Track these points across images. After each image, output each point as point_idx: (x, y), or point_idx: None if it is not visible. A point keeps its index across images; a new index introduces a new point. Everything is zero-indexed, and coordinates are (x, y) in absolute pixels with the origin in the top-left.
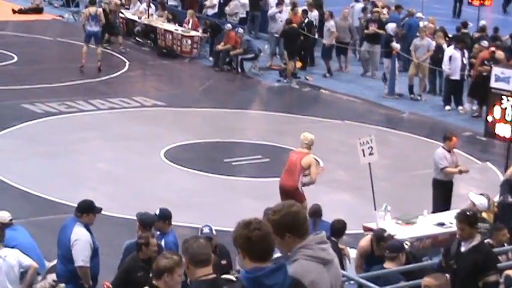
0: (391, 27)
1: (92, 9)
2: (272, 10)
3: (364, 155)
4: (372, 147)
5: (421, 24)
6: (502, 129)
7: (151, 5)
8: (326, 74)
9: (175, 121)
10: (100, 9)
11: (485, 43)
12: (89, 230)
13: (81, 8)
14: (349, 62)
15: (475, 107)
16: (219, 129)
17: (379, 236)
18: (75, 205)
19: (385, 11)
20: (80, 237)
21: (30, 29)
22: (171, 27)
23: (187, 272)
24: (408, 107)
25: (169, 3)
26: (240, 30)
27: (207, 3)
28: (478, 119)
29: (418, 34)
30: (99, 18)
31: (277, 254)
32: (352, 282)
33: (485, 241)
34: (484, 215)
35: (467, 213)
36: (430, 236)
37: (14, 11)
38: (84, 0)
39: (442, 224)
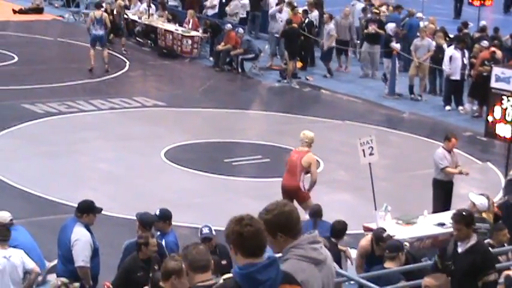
0: (390, 27)
1: (97, 13)
2: (273, 9)
3: (364, 155)
4: (372, 148)
5: (422, 24)
6: (502, 130)
7: (152, 5)
8: (326, 75)
9: (175, 121)
10: (105, 14)
11: (485, 43)
12: (89, 230)
13: (81, 8)
14: (349, 62)
15: (475, 107)
16: (220, 129)
17: (378, 237)
18: (76, 205)
19: (384, 8)
20: (80, 237)
21: (31, 29)
22: (171, 27)
23: (187, 278)
24: (408, 107)
25: (169, 3)
26: (241, 30)
27: (208, 3)
28: (478, 119)
29: (418, 34)
30: (105, 22)
31: (278, 254)
32: (352, 282)
33: (486, 241)
34: (484, 215)
35: (463, 213)
36: (430, 236)
37: (14, 11)
38: (85, 1)
39: (442, 224)
